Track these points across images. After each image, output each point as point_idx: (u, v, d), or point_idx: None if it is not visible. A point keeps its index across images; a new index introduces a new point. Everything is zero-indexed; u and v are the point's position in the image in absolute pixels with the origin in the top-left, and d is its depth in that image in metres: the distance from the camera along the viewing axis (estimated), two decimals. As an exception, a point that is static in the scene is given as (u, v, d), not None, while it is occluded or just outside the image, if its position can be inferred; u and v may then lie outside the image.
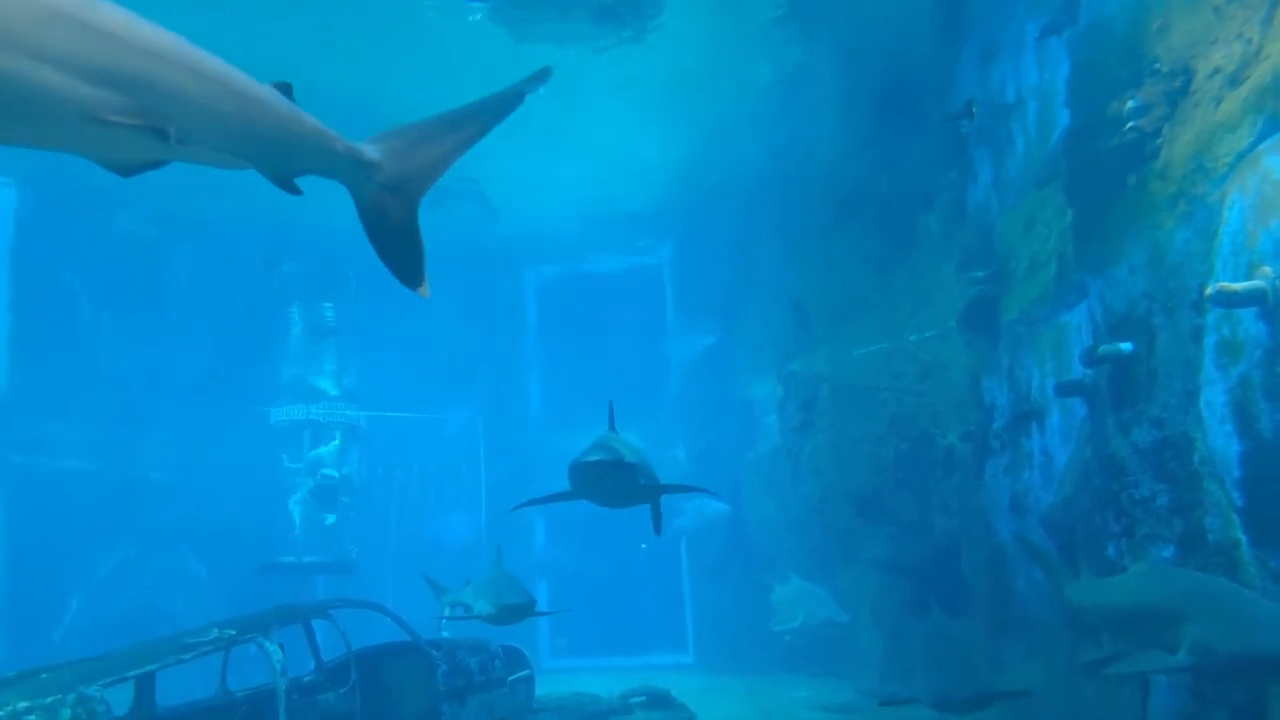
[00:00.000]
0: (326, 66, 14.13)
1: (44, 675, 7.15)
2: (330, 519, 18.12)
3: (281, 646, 8.04)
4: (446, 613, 10.92)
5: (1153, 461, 7.43)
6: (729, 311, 20.82)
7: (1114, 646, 6.86)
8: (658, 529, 8.48)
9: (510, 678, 10.50)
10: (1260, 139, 6.34)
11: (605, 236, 21.71)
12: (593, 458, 6.93)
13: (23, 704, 6.42)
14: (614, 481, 7.03)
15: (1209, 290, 6.23)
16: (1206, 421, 6.80)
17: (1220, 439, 6.65)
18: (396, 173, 3.65)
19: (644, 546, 23.55)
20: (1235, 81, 6.72)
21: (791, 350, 17.03)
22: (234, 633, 8.04)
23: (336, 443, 18.61)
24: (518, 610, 9.48)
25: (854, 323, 15.23)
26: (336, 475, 18.13)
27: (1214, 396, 6.71)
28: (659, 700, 13.03)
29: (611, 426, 8.21)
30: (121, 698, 7.67)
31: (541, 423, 23.27)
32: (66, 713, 6.47)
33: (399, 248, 3.51)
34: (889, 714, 10.45)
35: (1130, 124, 7.57)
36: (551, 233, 21.19)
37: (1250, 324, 6.23)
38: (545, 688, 12.48)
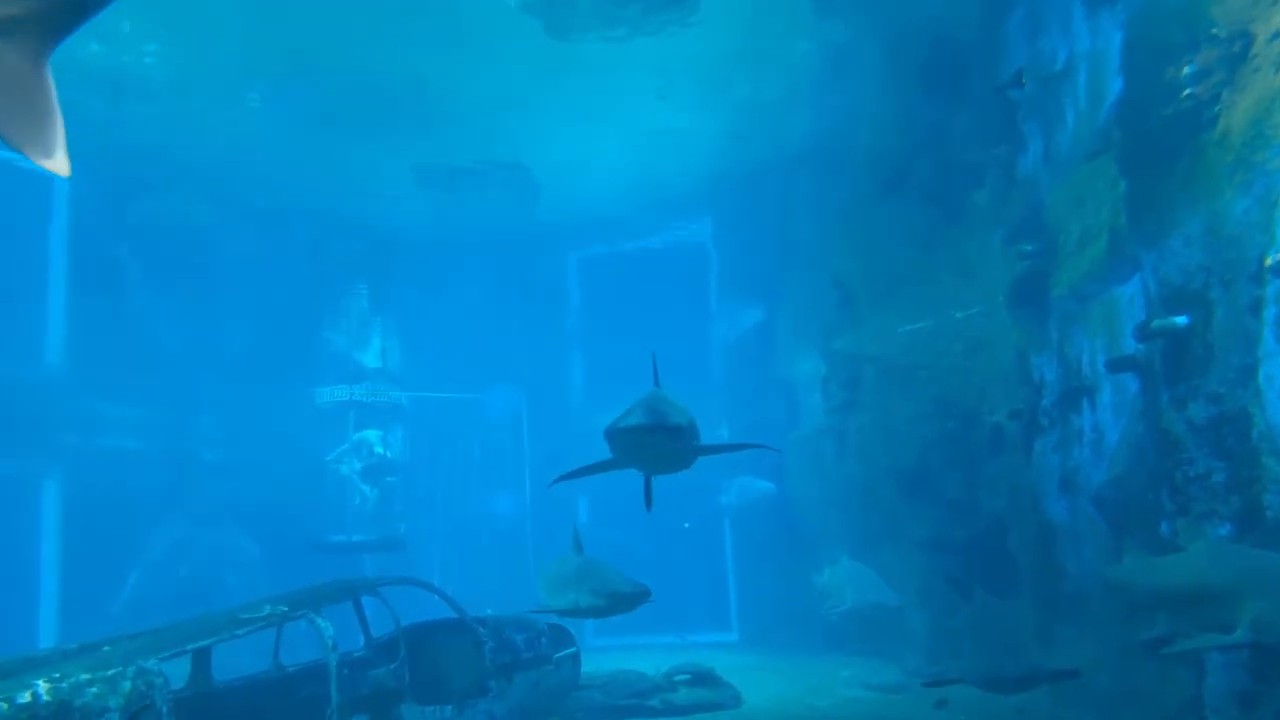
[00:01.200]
0: (368, 50, 14.25)
1: (105, 648, 7.34)
2: (378, 497, 18.36)
3: (327, 616, 8.18)
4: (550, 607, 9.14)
5: (1209, 438, 7.27)
6: (772, 289, 20.68)
7: (1170, 626, 6.75)
8: (649, 504, 7.47)
9: (556, 655, 10.59)
10: (1324, 104, 6.14)
11: (648, 215, 21.64)
12: (632, 421, 6.06)
13: (85, 675, 6.59)
14: (658, 448, 6.18)
15: (1269, 261, 6.08)
16: (1266, 396, 6.64)
17: (1280, 414, 6.50)
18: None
19: (687, 525, 23.61)
20: (1298, 45, 6.51)
21: (835, 328, 16.88)
22: (286, 609, 8.18)
23: (381, 424, 18.83)
24: (630, 599, 8.31)
25: (898, 300, 15.04)
26: (384, 454, 18.34)
27: (1274, 370, 6.55)
28: (704, 678, 13.06)
29: (656, 382, 7.18)
30: (179, 671, 7.86)
31: (584, 401, 23.35)
32: (126, 685, 6.64)
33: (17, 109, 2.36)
34: (934, 693, 10.42)
35: (1187, 91, 7.37)
36: (594, 212, 21.17)
37: (1313, 295, 6.06)
38: (590, 665, 12.57)
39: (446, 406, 21.76)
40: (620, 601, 8.25)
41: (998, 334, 12.55)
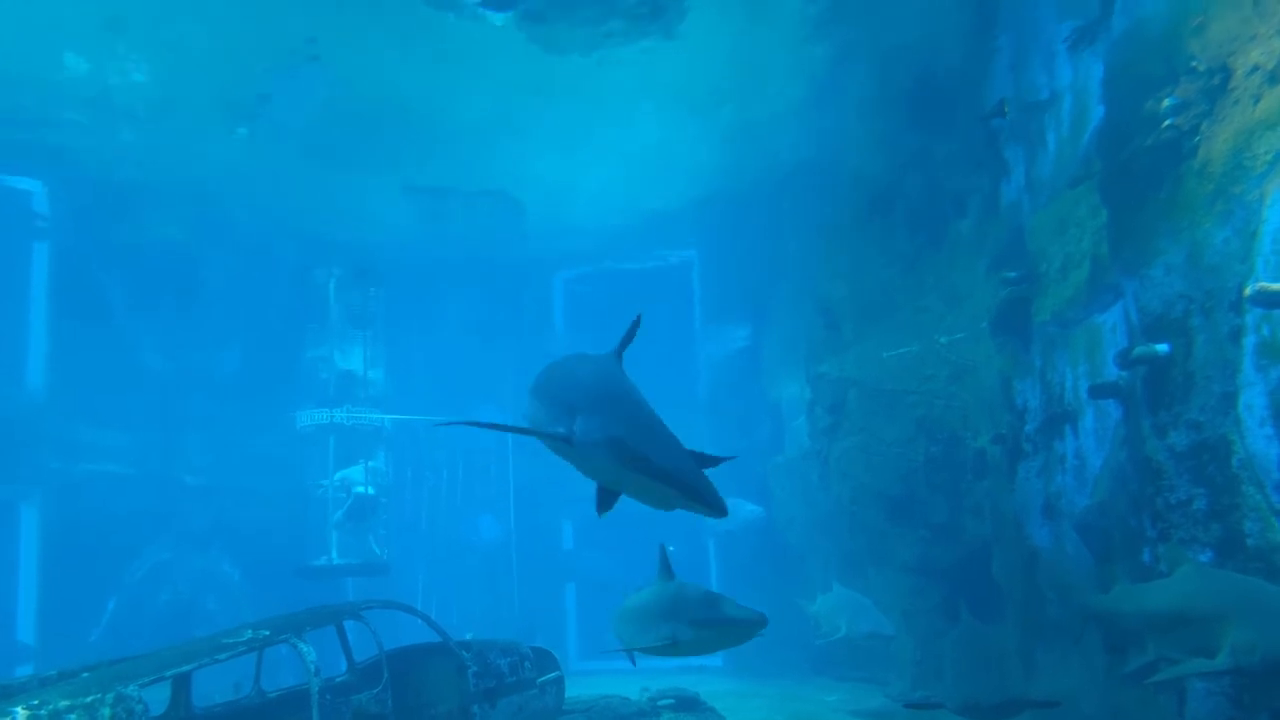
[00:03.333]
0: (355, 73, 14.33)
1: (84, 675, 7.25)
2: (359, 524, 18.23)
3: (310, 641, 8.10)
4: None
5: (1190, 465, 7.34)
6: (757, 313, 20.76)
7: (1156, 651, 6.77)
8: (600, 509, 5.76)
9: (540, 679, 10.51)
10: (1301, 137, 6.25)
11: (634, 237, 21.74)
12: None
13: (64, 703, 6.51)
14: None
15: (1249, 290, 6.17)
16: (1246, 424, 6.71)
17: (1260, 442, 6.57)
18: None
19: (671, 548, 23.49)
20: (1275, 79, 6.64)
21: (820, 352, 16.95)
22: (268, 633, 8.11)
23: (362, 450, 18.70)
24: (743, 627, 6.64)
25: (883, 324, 15.14)
26: (365, 493, 18.23)
27: (1254, 399, 6.63)
28: (688, 703, 12.98)
29: (620, 351, 5.42)
30: (159, 697, 7.77)
31: (570, 423, 23.30)
32: (106, 711, 6.56)
33: None
34: (917, 716, 10.40)
35: (1167, 122, 7.49)
36: (580, 234, 21.26)
37: (1291, 325, 6.14)
38: (574, 689, 12.48)
39: (430, 429, 21.68)
40: (730, 630, 6.60)
41: (982, 359, 12.63)
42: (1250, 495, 6.66)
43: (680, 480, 4.03)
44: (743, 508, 18.99)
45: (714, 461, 4.56)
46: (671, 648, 6.74)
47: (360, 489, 18.12)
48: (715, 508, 4.01)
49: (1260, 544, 6.55)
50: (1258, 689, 6.50)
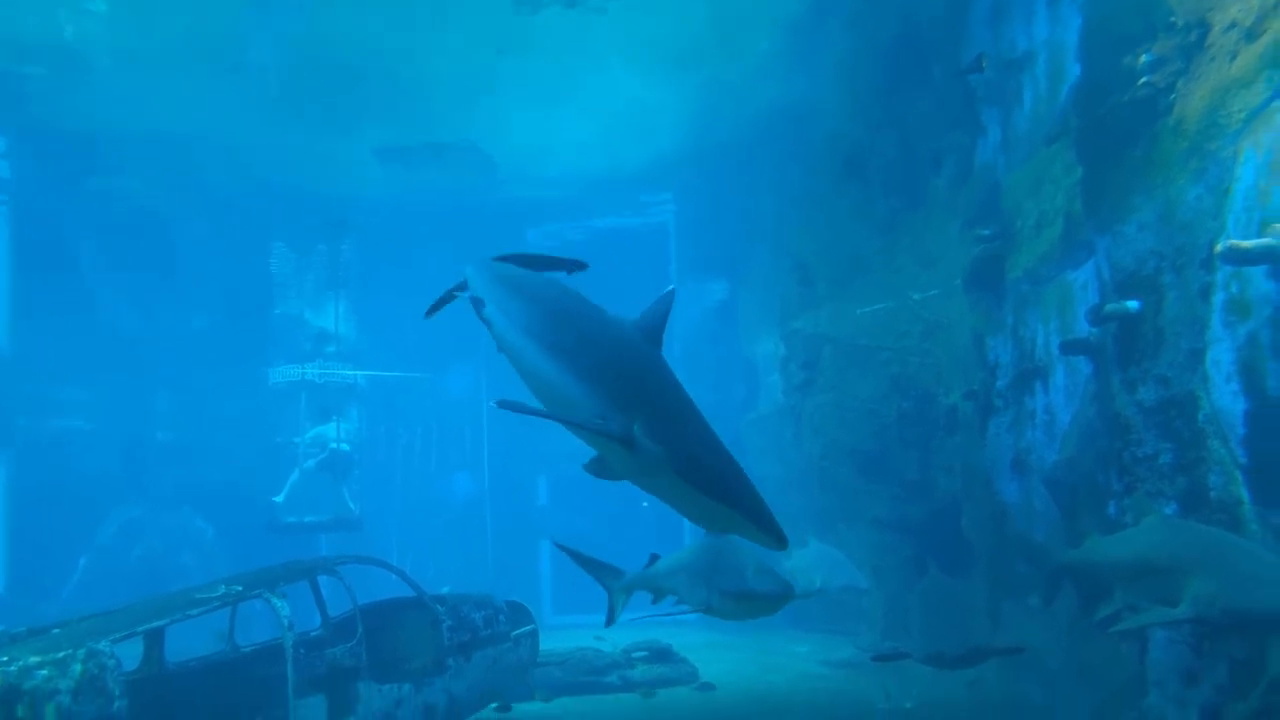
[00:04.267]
0: (328, 26, 14.02)
1: (55, 631, 7.22)
2: (332, 480, 18.18)
3: (284, 595, 8.10)
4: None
5: (1157, 420, 7.43)
6: (733, 270, 20.75)
7: (1123, 601, 6.91)
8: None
9: (515, 632, 10.59)
10: (1276, 95, 6.28)
11: (609, 193, 21.56)
12: None
13: (34, 659, 6.48)
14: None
15: (1219, 247, 6.21)
16: (1212, 380, 6.80)
17: (1226, 397, 6.66)
18: None
19: (645, 504, 23.69)
20: (1252, 36, 6.63)
21: (795, 309, 16.98)
22: (241, 589, 8.10)
23: (336, 406, 18.61)
24: (769, 601, 6.32)
25: (858, 281, 15.17)
26: (339, 448, 18.15)
27: (1221, 355, 6.71)
28: (661, 655, 13.17)
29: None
30: (131, 653, 7.76)
31: (545, 380, 23.30)
32: (77, 667, 6.54)
33: None
34: (885, 668, 10.59)
35: (1144, 79, 7.48)
36: (554, 191, 21.05)
37: (1260, 282, 6.21)
38: (549, 643, 12.60)
39: (404, 386, 21.60)
40: (758, 602, 6.39)
41: (955, 316, 12.70)
42: (1215, 449, 6.77)
43: (750, 508, 3.57)
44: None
45: None
46: (707, 611, 6.72)
47: (335, 445, 18.06)
48: (778, 539, 3.55)
49: (1223, 496, 6.67)
50: (1217, 638, 6.65)
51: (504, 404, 4.25)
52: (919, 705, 10.22)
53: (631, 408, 3.84)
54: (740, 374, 19.96)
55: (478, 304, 4.95)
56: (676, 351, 22.98)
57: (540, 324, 4.42)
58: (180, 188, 18.33)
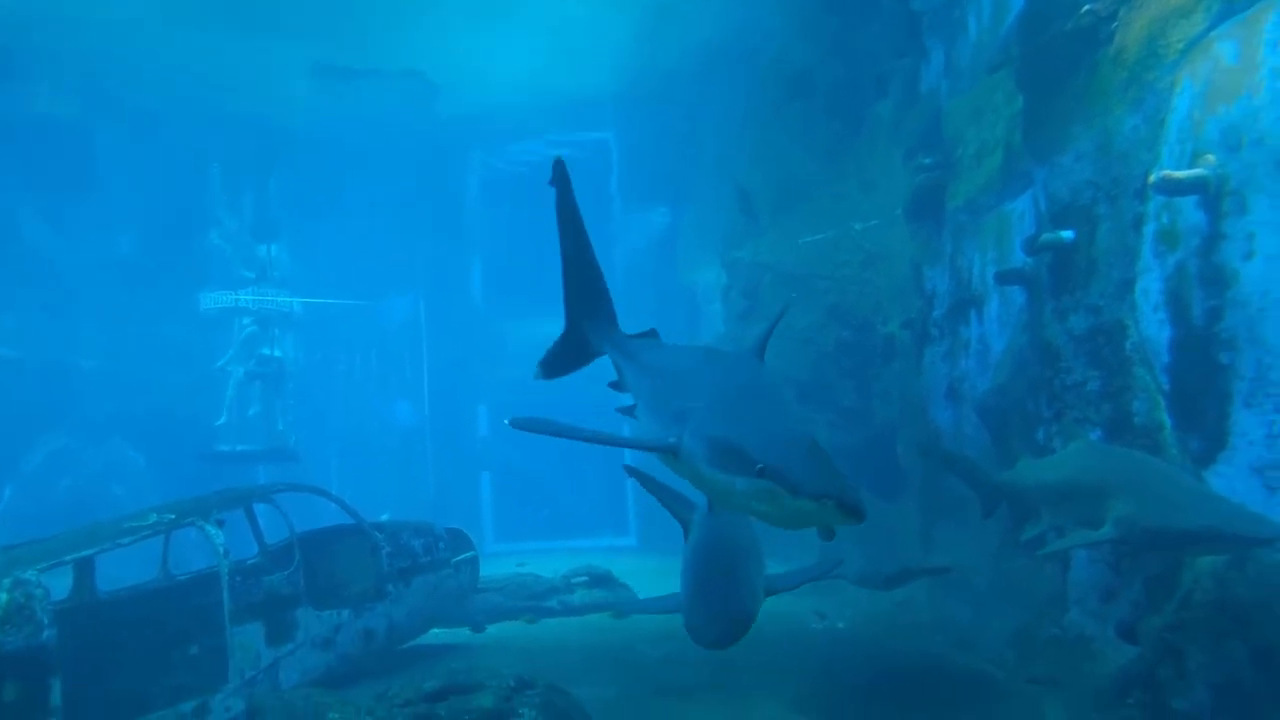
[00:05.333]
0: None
1: (-23, 559, 7.04)
2: (263, 408, 17.86)
3: (221, 523, 8.00)
4: None
5: (1087, 348, 7.60)
6: (675, 197, 20.59)
7: (1050, 522, 7.13)
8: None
9: (455, 559, 10.62)
10: (1213, 25, 6.30)
11: (551, 118, 21.15)
12: None
13: (-44, 588, 6.33)
14: None
15: (1153, 178, 6.28)
16: (1141, 309, 6.94)
17: (1153, 326, 6.81)
18: None
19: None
20: (1193, -36, 6.62)
21: (736, 237, 16.96)
22: (174, 516, 7.97)
23: (271, 331, 18.21)
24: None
25: (800, 210, 15.17)
26: (272, 354, 17.75)
27: (1150, 284, 6.84)
28: (601, 580, 13.33)
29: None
30: (61, 583, 7.61)
31: (485, 307, 23.08)
32: (3, 596, 6.40)
33: None
34: (814, 589, 10.86)
35: (1086, 7, 7.46)
36: (495, 114, 20.60)
37: (1190, 212, 6.31)
38: (489, 569, 12.68)
39: (342, 313, 21.22)
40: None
41: (895, 246, 12.78)
42: (1140, 376, 6.94)
43: (834, 492, 3.13)
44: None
45: None
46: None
47: (267, 351, 17.61)
48: (860, 516, 3.14)
49: (1146, 422, 6.86)
50: (1135, 557, 6.91)
51: (518, 423, 4.10)
52: (851, 625, 10.53)
53: (683, 420, 3.75)
54: (682, 303, 19.95)
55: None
56: (619, 281, 22.84)
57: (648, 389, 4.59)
58: (99, 99, 17.50)
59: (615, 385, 5.24)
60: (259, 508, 9.27)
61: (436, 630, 10.89)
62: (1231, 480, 6.06)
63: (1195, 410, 6.42)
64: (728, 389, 3.98)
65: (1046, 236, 7.93)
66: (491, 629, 11.62)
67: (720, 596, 4.91)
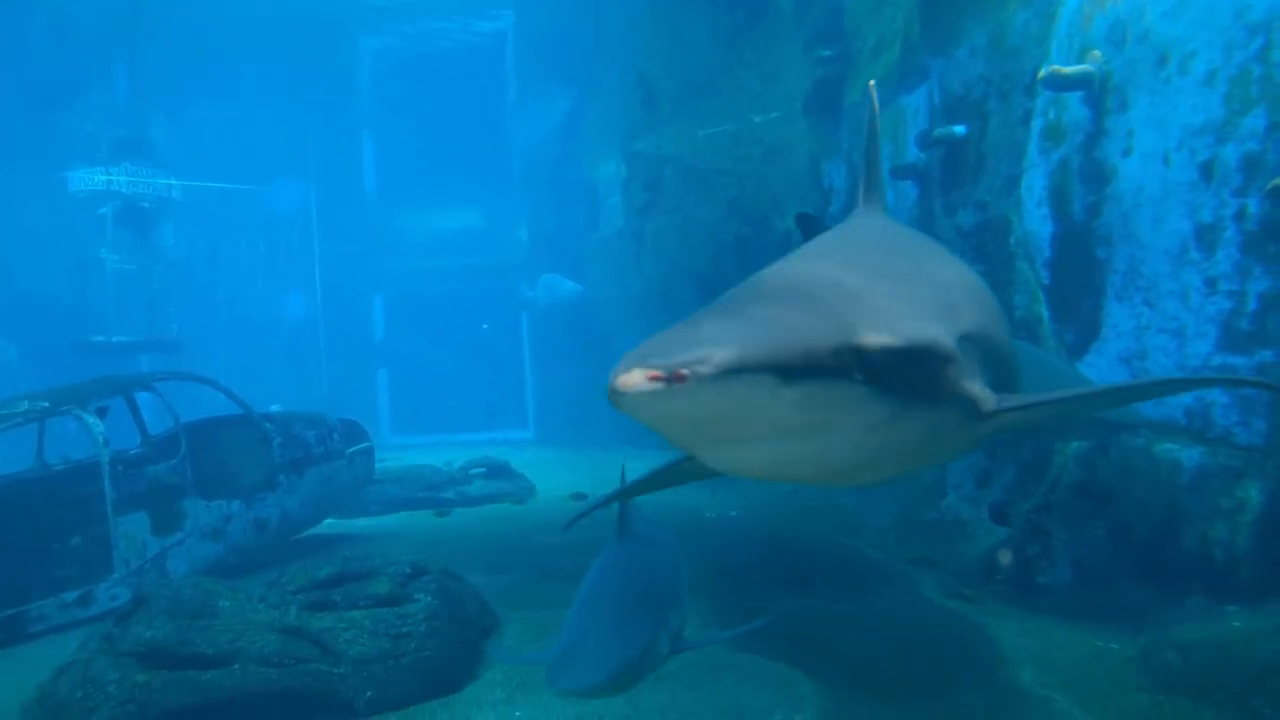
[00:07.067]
0: None
1: None
2: (143, 297, 17.02)
3: (104, 410, 7.72)
4: None
5: (973, 243, 7.81)
6: (575, 89, 20.11)
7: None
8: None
9: (349, 450, 10.53)
10: (1106, -82, 6.34)
11: (444, 2, 20.27)
12: None
13: None
14: None
15: (1042, 73, 6.37)
16: (1025, 204, 7.14)
17: (1036, 221, 7.03)
18: None
19: (485, 326, 23.60)
20: None
21: (638, 129, 16.73)
22: (47, 404, 7.65)
23: (149, 219, 17.26)
24: None
25: (701, 102, 15.00)
26: (153, 242, 16.88)
27: (1034, 180, 7.02)
28: (498, 470, 13.44)
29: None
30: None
31: (378, 197, 22.39)
32: None
33: None
34: (710, 480, 11.15)
35: (984, -104, 7.43)
36: (385, -7, 19.60)
37: (1076, 108, 6.45)
38: (387, 462, 12.63)
39: (226, 198, 20.27)
40: None
41: (795, 140, 12.79)
42: (1022, 270, 7.19)
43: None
44: (560, 285, 19.12)
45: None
46: None
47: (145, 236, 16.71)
48: None
49: (1026, 315, 7.15)
50: (1009, 444, 7.29)
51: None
52: (743, 513, 10.88)
53: None
54: (582, 196, 19.72)
55: None
56: (516, 173, 22.39)
57: None
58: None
59: None
60: (142, 398, 8.96)
61: (330, 521, 10.85)
62: (1101, 370, 6.38)
63: (1071, 303, 6.70)
64: None
65: (939, 131, 8.04)
66: (388, 519, 11.63)
67: (592, 644, 3.64)
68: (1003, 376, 3.10)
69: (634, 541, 4.52)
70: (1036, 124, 6.97)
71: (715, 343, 2.14)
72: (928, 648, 5.64)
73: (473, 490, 12.79)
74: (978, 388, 2.73)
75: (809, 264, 3.08)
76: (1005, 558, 6.53)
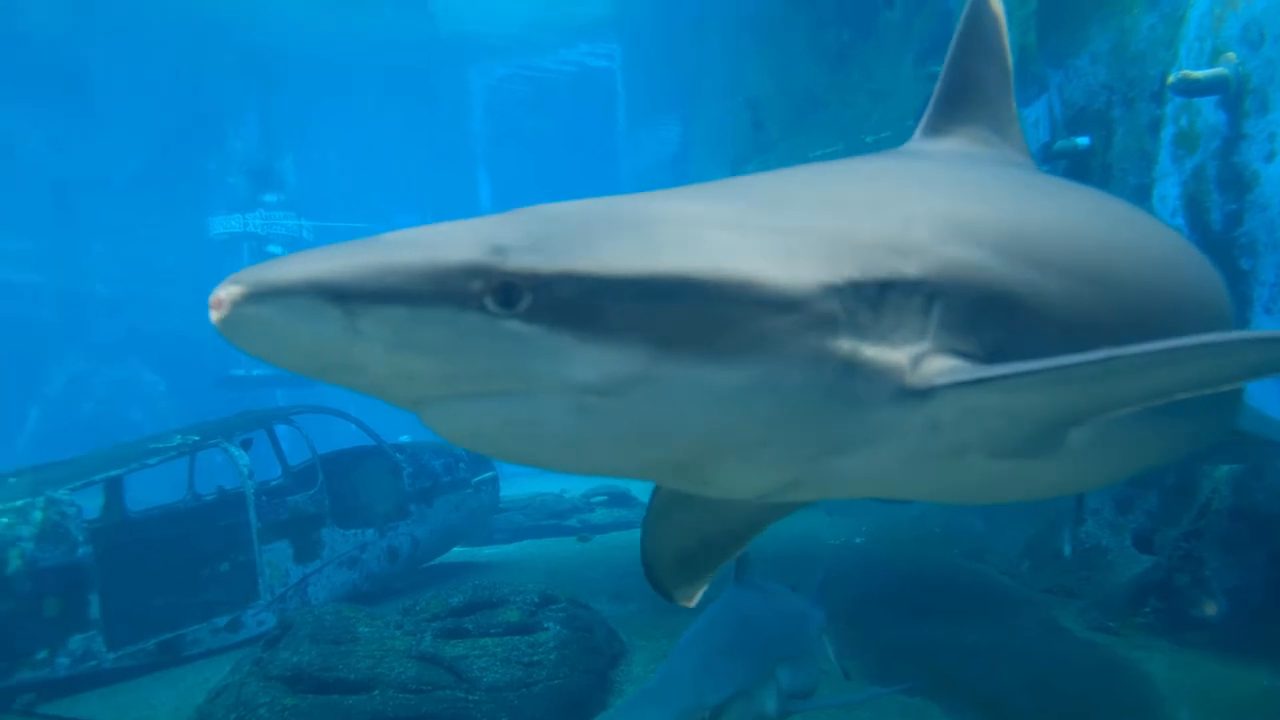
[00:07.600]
0: None
1: (11, 480, 7.20)
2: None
3: (248, 443, 8.12)
4: None
5: (1104, 257, 7.53)
6: (683, 115, 20.28)
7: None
8: None
9: (475, 479, 10.79)
10: (1237, -84, 6.10)
11: (553, 36, 20.80)
12: None
13: (-8, 509, 6.49)
14: None
15: (1171, 78, 6.14)
16: (1158, 215, 6.87)
17: (1170, 232, 6.74)
18: None
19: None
20: None
21: (746, 152, 16.72)
22: (198, 438, 8.11)
23: (279, 253, 18.17)
24: None
25: (809, 122, 14.91)
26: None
27: (1168, 190, 6.75)
28: (620, 499, 13.55)
29: None
30: (92, 503, 7.79)
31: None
32: (38, 515, 6.57)
33: None
34: (827, 504, 10.98)
35: (1104, -98, 7.23)
36: (497, 30, 20.22)
37: (1209, 113, 6.19)
38: (509, 490, 12.87)
39: (351, 236, 21.14)
40: None
41: (907, 158, 12.56)
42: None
43: None
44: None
45: None
46: None
47: (272, 248, 17.58)
48: None
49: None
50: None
51: None
52: (868, 540, 10.67)
53: None
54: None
55: None
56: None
57: None
58: (93, 20, 17.13)
59: None
60: (281, 430, 9.41)
61: (459, 549, 11.12)
62: (1251, 388, 6.06)
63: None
64: None
65: (1062, 143, 7.81)
66: (513, 547, 11.85)
67: (672, 687, 3.36)
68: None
69: (751, 588, 4.07)
70: (1167, 131, 6.71)
71: (316, 261, 1.67)
72: (1068, 681, 5.42)
73: (595, 518, 12.92)
74: (885, 351, 1.87)
75: (684, 192, 2.27)
76: (1210, 609, 6.10)
